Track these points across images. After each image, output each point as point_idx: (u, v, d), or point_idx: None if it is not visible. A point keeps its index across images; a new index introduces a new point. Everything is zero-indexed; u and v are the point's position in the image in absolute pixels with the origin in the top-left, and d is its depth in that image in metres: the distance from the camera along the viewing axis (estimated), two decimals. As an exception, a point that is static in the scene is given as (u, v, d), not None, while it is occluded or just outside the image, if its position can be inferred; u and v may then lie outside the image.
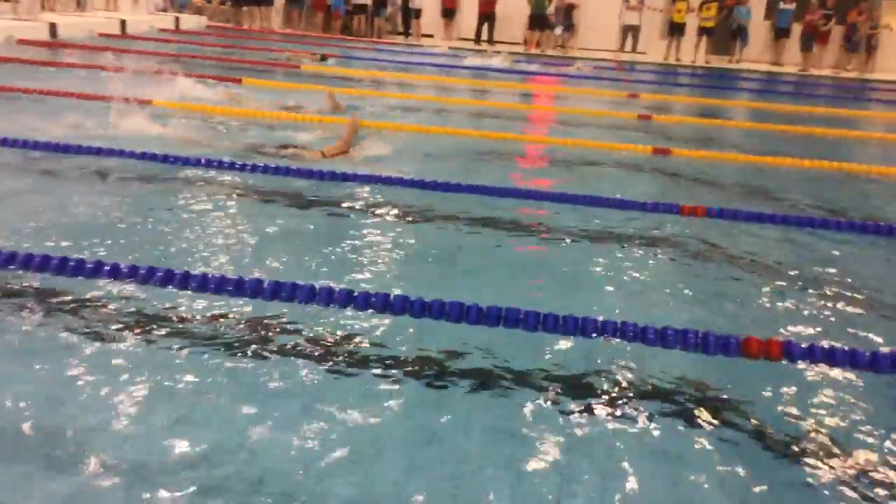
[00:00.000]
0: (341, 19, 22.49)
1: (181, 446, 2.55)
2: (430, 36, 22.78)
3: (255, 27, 22.14)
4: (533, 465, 2.65)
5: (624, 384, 3.19)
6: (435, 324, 3.46)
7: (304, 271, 4.10)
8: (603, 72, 17.25)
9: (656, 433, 2.90)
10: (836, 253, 5.20)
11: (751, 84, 16.52)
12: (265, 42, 18.35)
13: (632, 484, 2.59)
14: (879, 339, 3.86)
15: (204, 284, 3.62)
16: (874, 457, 2.85)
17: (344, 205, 5.35)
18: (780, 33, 20.94)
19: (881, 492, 2.65)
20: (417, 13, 22.52)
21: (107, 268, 3.66)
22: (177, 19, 19.78)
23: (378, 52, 17.90)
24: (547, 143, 8.37)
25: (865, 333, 3.94)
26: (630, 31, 21.25)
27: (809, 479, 2.70)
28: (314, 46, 18.06)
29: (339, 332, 3.42)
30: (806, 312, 4.16)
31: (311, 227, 4.96)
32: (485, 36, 22.32)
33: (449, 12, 22.67)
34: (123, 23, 17.07)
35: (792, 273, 4.75)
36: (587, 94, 13.52)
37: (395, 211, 5.29)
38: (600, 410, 3.01)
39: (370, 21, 22.46)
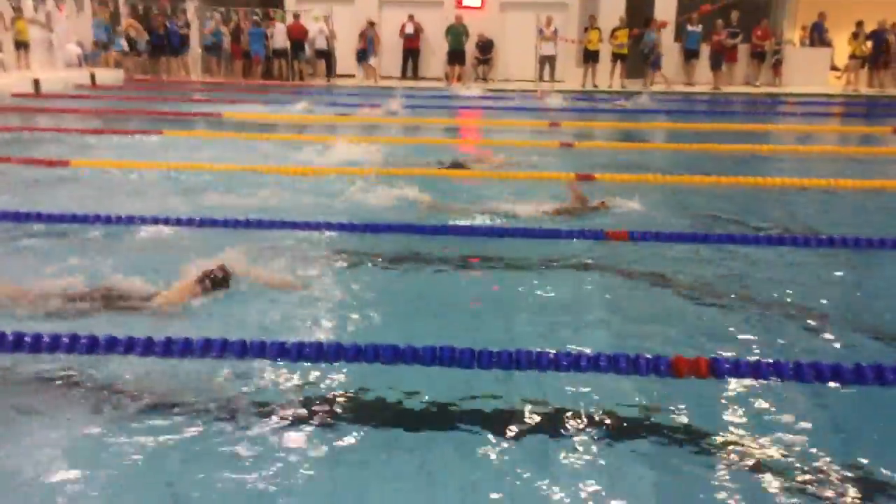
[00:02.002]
0: (261, 64, 22.46)
1: None
2: (351, 76, 22.89)
3: (174, 78, 21.94)
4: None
5: (566, 414, 3.25)
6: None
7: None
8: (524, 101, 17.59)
9: (595, 455, 2.96)
10: (757, 267, 5.38)
11: (667, 105, 17.06)
12: (185, 92, 18.19)
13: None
14: (803, 350, 4.01)
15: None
16: (802, 462, 2.96)
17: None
18: (690, 54, 21.74)
19: (810, 496, 2.75)
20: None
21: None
22: (92, 75, 19.44)
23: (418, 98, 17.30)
24: (472, 176, 8.47)
25: (789, 344, 4.10)
26: (547, 61, 21.76)
27: (741, 487, 2.79)
28: (237, 94, 17.98)
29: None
30: (731, 328, 4.30)
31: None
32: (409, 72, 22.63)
33: (364, 53, 22.84)
34: (37, 82, 16.70)
35: (716, 290, 4.91)
36: (510, 125, 13.76)
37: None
38: (538, 441, 3.06)
39: (290, 65, 22.48)
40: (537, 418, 3.22)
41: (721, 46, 21.32)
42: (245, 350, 3.50)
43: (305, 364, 3.51)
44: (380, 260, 5.25)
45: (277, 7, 23.48)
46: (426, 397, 3.35)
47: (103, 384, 3.39)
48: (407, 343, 3.51)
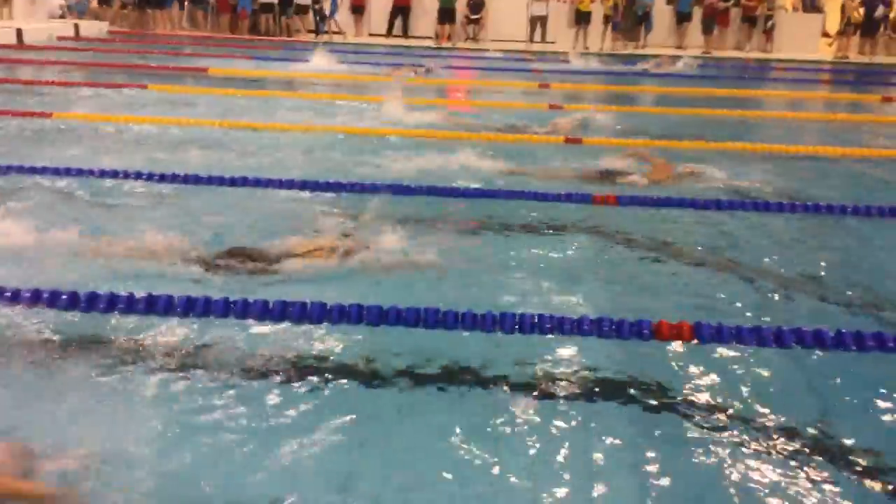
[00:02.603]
0: (248, 19, 22.11)
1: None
2: (341, 33, 22.59)
3: (160, 31, 21.58)
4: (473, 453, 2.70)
5: (547, 375, 3.28)
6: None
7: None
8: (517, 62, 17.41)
9: (578, 418, 3.00)
10: (743, 233, 5.41)
11: (658, 69, 16.94)
12: (171, 46, 17.92)
13: (558, 464, 2.68)
14: (785, 315, 4.06)
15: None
16: (783, 430, 3.01)
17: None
18: (682, 17, 21.58)
19: (791, 461, 2.79)
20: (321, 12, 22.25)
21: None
22: (76, 26, 19.09)
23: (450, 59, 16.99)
24: (460, 137, 8.42)
25: (773, 310, 4.14)
26: (538, 22, 21.54)
27: (720, 451, 2.83)
28: (223, 48, 17.73)
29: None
30: (717, 293, 4.34)
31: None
32: (398, 30, 22.34)
33: (358, 9, 22.54)
34: (20, 32, 16.38)
35: (701, 255, 4.93)
36: (500, 86, 13.65)
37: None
38: (523, 402, 3.08)
39: (277, 20, 22.14)
40: (520, 380, 3.25)
41: (713, 10, 21.16)
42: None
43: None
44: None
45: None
46: (410, 361, 3.37)
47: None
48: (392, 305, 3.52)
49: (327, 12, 22.14)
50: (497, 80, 14.36)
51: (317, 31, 22.34)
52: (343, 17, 22.46)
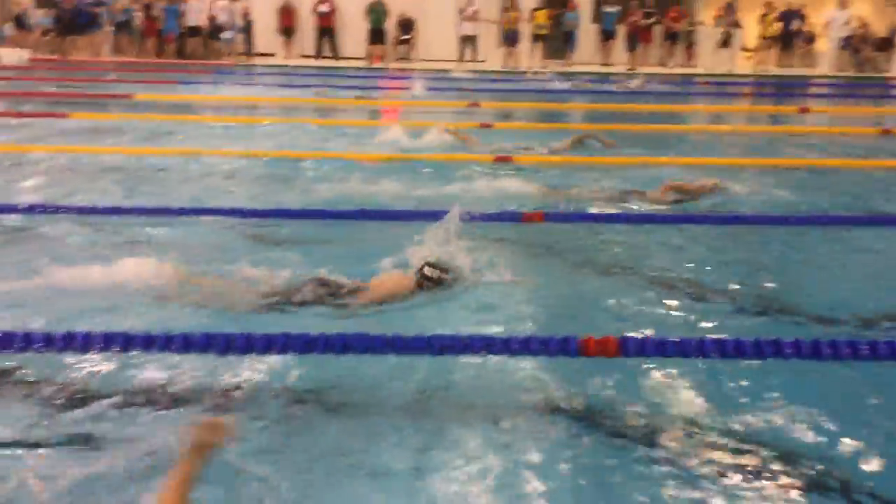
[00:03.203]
0: (175, 43, 21.80)
1: None
2: (271, 55, 22.46)
3: (83, 57, 21.10)
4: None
5: (478, 396, 3.29)
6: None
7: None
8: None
9: (510, 438, 3.01)
10: (665, 246, 5.54)
11: (586, 85, 17.27)
12: (95, 73, 17.53)
13: (486, 486, 2.68)
14: (709, 326, 4.16)
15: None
16: (708, 435, 3.08)
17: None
18: (607, 35, 22.06)
19: (715, 468, 2.86)
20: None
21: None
22: (-6, 54, 18.57)
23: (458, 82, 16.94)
24: (390, 159, 8.42)
25: (695, 321, 4.24)
26: (468, 42, 21.78)
27: (648, 461, 2.88)
28: (150, 73, 17.43)
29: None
30: (643, 308, 4.42)
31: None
32: (327, 52, 22.32)
33: (288, 30, 22.43)
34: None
35: (628, 269, 5.02)
36: (431, 106, 13.71)
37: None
38: (454, 424, 3.09)
39: (205, 43, 21.87)
40: (446, 403, 3.26)
41: (636, 28, 21.69)
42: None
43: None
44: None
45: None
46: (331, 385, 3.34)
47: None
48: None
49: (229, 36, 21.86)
50: (428, 99, 14.43)
51: (248, 54, 22.16)
52: (272, 38, 22.34)
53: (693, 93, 16.48)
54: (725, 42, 21.29)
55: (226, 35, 21.58)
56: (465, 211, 4.83)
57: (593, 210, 6.20)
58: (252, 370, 3.45)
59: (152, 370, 3.41)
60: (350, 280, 4.26)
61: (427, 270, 4.25)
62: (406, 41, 22.41)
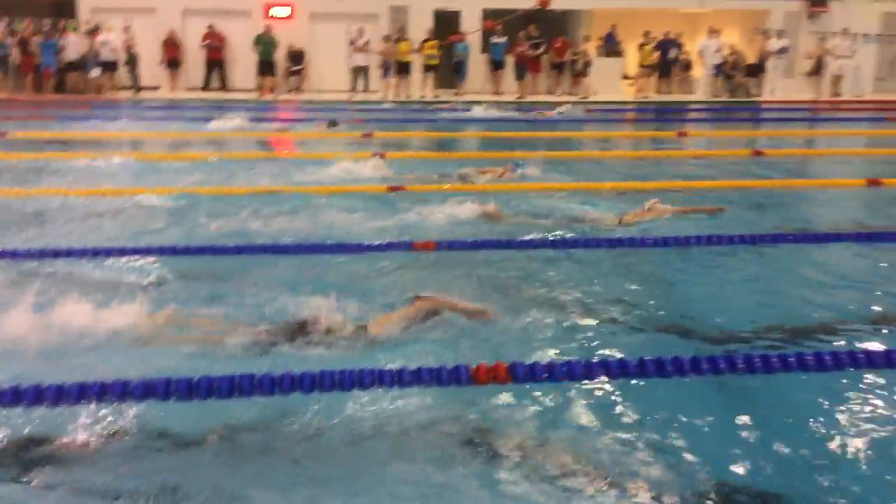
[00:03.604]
0: (53, 78, 20.97)
1: None
2: (156, 88, 21.91)
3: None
4: None
5: (371, 430, 3.26)
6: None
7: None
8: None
9: (406, 470, 2.99)
10: (555, 269, 5.65)
11: (478, 114, 17.56)
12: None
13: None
14: (597, 348, 4.27)
15: None
16: (598, 458, 3.14)
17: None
18: (496, 65, 22.56)
19: (617, 493, 2.91)
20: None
21: None
22: None
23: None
24: (283, 191, 8.31)
25: (590, 344, 4.34)
26: (360, 72, 21.84)
27: (544, 488, 2.91)
28: (29, 110, 16.69)
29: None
30: (537, 332, 4.49)
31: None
32: (216, 84, 21.96)
33: (173, 63, 21.95)
34: None
35: (521, 294, 5.10)
36: (323, 137, 13.65)
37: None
38: (346, 459, 3.04)
39: (84, 79, 21.12)
40: (346, 438, 3.22)
41: (524, 58, 22.27)
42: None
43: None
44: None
45: (70, 17, 22.06)
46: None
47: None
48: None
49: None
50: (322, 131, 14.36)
51: (134, 88, 21.53)
52: (157, 71, 21.82)
53: (584, 119, 17.00)
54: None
55: (94, 72, 20.96)
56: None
57: (489, 238, 6.28)
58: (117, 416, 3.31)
59: None
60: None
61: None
62: (297, 72, 22.27)
